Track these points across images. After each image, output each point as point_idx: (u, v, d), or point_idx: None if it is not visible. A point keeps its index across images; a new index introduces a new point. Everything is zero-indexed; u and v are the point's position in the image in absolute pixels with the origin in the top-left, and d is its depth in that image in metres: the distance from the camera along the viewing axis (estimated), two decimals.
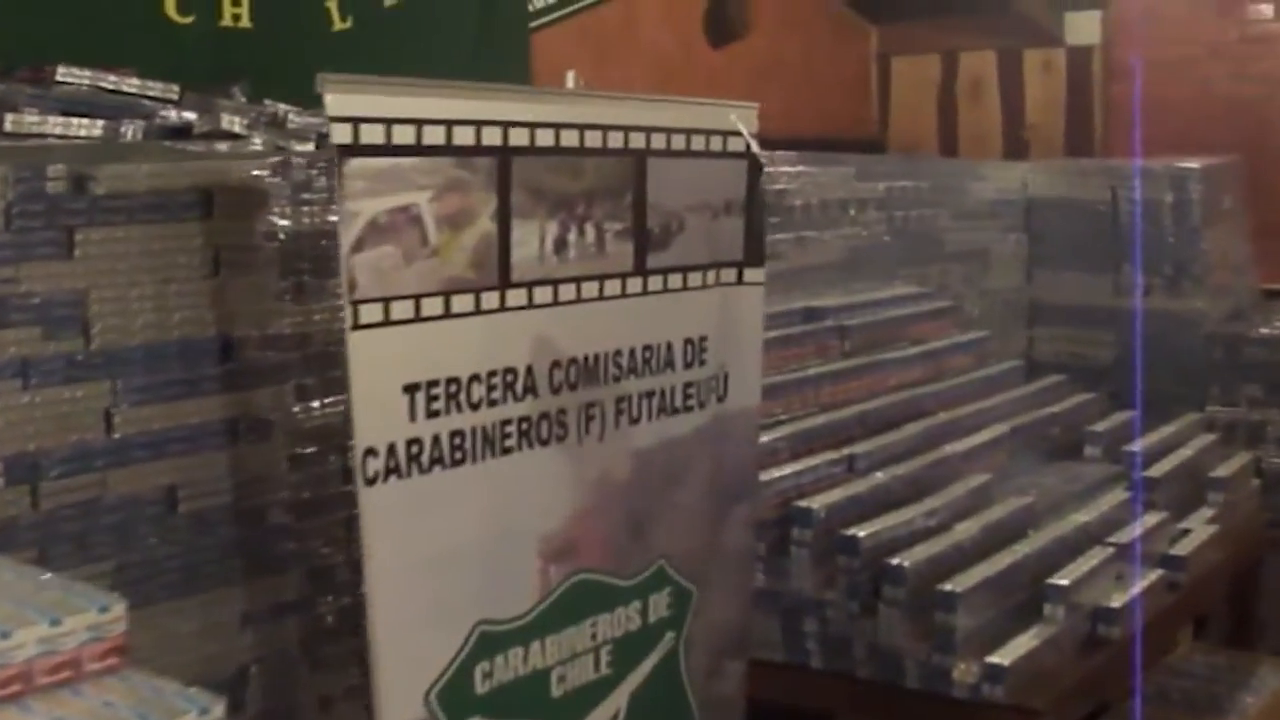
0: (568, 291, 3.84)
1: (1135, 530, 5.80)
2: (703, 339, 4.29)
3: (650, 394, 4.12)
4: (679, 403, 4.23)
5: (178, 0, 7.12)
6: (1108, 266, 8.51)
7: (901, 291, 7.46)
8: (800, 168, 6.91)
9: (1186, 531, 6.29)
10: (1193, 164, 8.30)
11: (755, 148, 4.41)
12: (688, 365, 4.25)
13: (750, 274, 4.45)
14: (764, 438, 5.46)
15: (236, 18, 7.43)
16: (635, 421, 4.07)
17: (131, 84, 5.28)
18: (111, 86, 5.20)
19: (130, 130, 4.80)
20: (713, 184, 4.30)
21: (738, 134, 4.36)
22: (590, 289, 3.91)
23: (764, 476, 5.14)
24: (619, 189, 3.96)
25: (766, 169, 4.45)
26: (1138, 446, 6.68)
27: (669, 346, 4.18)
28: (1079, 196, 8.60)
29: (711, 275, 4.31)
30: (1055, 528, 5.64)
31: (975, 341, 7.43)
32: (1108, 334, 8.49)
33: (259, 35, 7.45)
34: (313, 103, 5.70)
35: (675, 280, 4.18)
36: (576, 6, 9.82)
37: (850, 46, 12.36)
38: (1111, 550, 5.56)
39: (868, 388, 6.51)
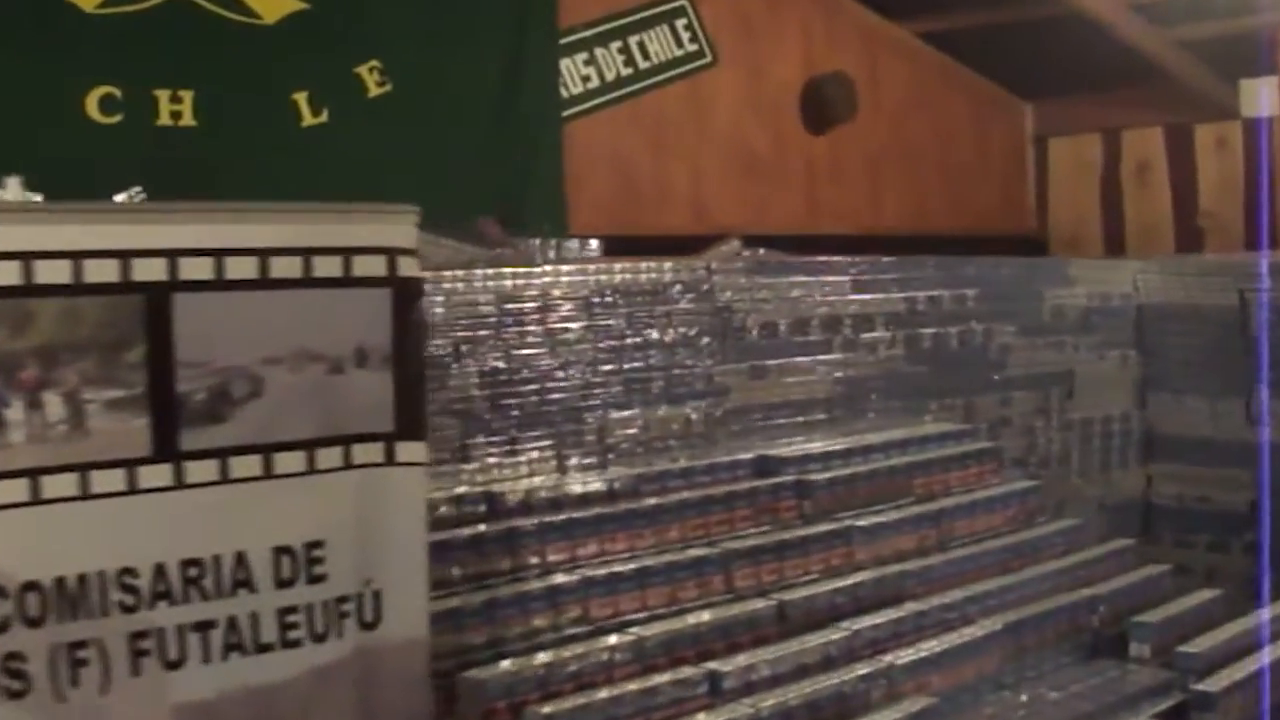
0: (12, 490, 2.63)
1: None
2: (315, 545, 3.00)
3: (204, 626, 2.86)
4: (270, 636, 2.96)
5: (100, 98, 6.33)
6: (1239, 388, 6.73)
7: (919, 432, 5.91)
8: (760, 279, 5.50)
9: None
10: None
11: (412, 270, 3.12)
12: (285, 583, 2.97)
13: (406, 450, 3.14)
14: (607, 640, 4.11)
15: (176, 115, 6.59)
16: (175, 665, 2.82)
17: None
18: None
19: None
20: (324, 325, 3.02)
21: (375, 251, 3.08)
22: (60, 485, 2.68)
23: (571, 702, 3.80)
24: (112, 341, 2.73)
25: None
26: (1198, 646, 4.94)
27: (240, 558, 2.91)
28: (1201, 302, 6.85)
29: (332, 455, 3.03)
30: None
31: (1019, 493, 5.79)
32: (1244, 473, 6.69)
33: (203, 134, 6.59)
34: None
35: (245, 465, 2.91)
36: (628, 90, 8.61)
37: (998, 127, 10.72)
38: None
39: (824, 564, 5.01)
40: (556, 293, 4.91)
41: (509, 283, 4.82)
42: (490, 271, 4.82)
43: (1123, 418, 6.99)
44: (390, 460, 3.11)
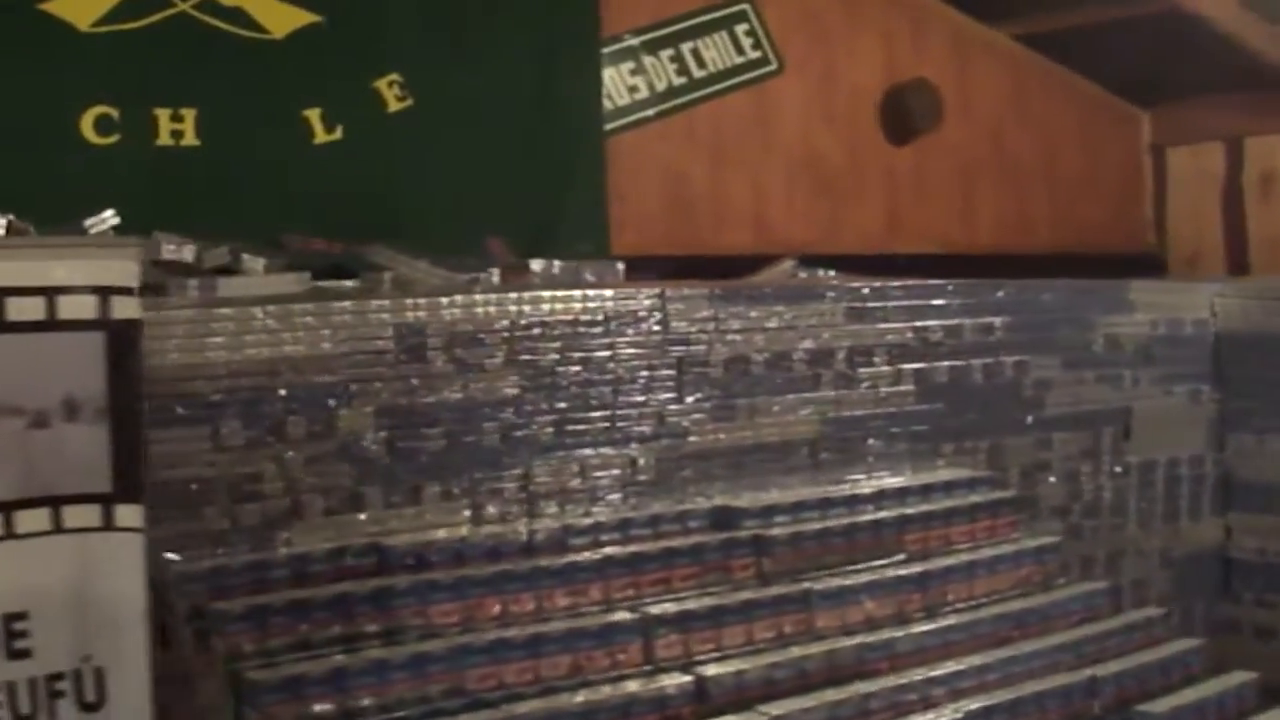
0: None
1: None
2: (17, 616, 2.59)
3: None
4: None
5: (96, 119, 6.09)
6: None
7: (922, 479, 5.24)
8: (729, 308, 4.91)
9: None
10: None
11: (130, 311, 2.68)
12: None
13: (125, 514, 2.71)
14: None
15: (178, 135, 6.32)
16: None
17: None
18: None
19: None
20: (24, 373, 2.62)
21: (85, 290, 2.64)
22: None
23: None
24: None
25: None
26: None
27: None
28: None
29: (37, 518, 2.62)
30: None
31: (1033, 552, 5.09)
32: None
33: (206, 155, 6.30)
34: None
35: None
36: (681, 101, 8.06)
37: (1110, 136, 9.84)
38: None
39: (775, 632, 4.41)
40: (468, 326, 4.42)
41: (410, 315, 4.34)
42: (387, 302, 4.34)
43: (1194, 461, 6.19)
44: (109, 525, 2.67)
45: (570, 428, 4.61)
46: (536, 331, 4.55)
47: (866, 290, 5.29)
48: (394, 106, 6.88)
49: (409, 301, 4.37)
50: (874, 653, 4.41)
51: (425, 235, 6.28)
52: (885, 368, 5.29)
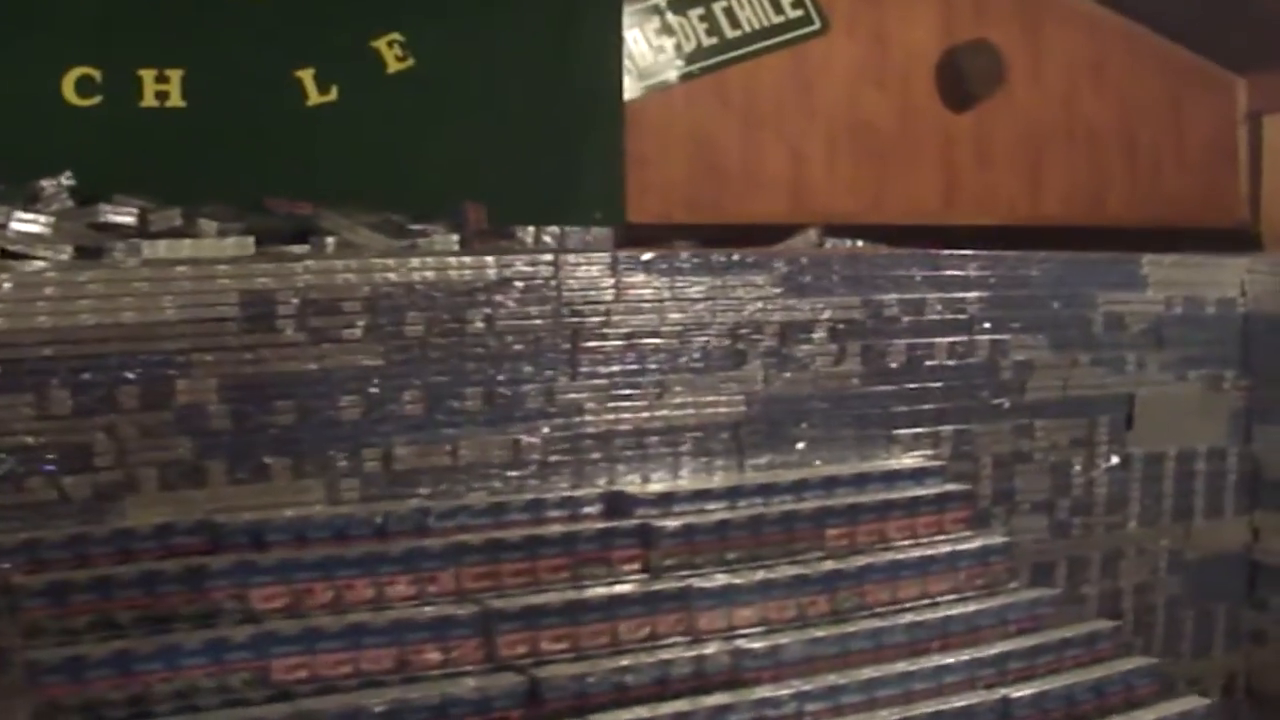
0: None
1: None
2: None
3: None
4: None
5: (77, 80, 5.98)
6: None
7: (859, 469, 4.77)
8: (635, 276, 4.51)
9: None
10: None
11: None
12: None
13: None
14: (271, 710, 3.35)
15: (163, 96, 6.18)
16: None
17: None
18: None
19: None
20: None
21: None
22: None
23: None
24: None
25: None
26: None
27: None
28: None
29: None
30: None
31: (976, 553, 4.58)
32: None
33: (192, 116, 6.14)
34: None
35: None
36: (712, 61, 7.62)
37: (1200, 104, 9.05)
38: None
39: (647, 632, 4.02)
40: (322, 294, 4.12)
41: (259, 281, 4.05)
42: (231, 267, 4.06)
43: (1213, 454, 5.58)
44: None
45: (444, 404, 4.28)
46: (403, 300, 4.22)
47: (804, 260, 4.82)
48: (394, 67, 6.61)
49: (256, 268, 4.08)
50: (754, 660, 3.98)
51: (422, 201, 6.03)
52: (830, 345, 4.82)
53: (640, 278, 4.53)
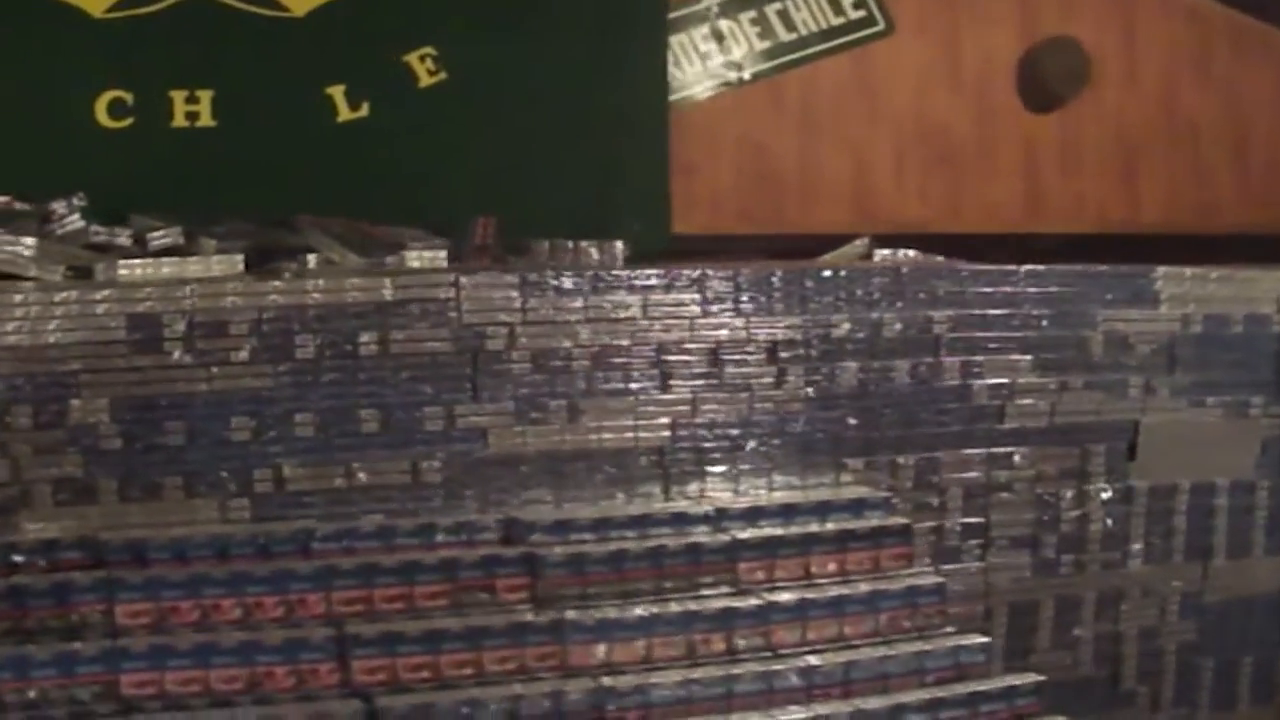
0: None
1: None
2: None
3: None
4: None
5: (109, 103, 6.20)
6: None
7: (793, 498, 4.52)
8: (542, 296, 4.36)
9: None
10: None
11: None
12: None
13: None
14: None
15: (193, 116, 6.35)
16: None
17: None
18: None
19: None
20: None
21: None
22: None
23: None
24: None
25: None
26: None
27: None
28: None
29: None
30: None
31: (901, 594, 4.28)
32: None
33: (223, 135, 6.31)
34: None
35: None
36: (766, 66, 7.39)
37: None
38: None
39: (515, 665, 3.89)
40: (209, 317, 4.10)
41: (142, 305, 4.06)
42: (113, 292, 4.08)
43: (1237, 488, 5.11)
44: None
45: (338, 426, 4.21)
46: (294, 321, 4.17)
47: (741, 279, 4.59)
48: (426, 81, 6.62)
49: (139, 293, 4.10)
50: (619, 700, 3.81)
51: (451, 217, 6.02)
52: (768, 368, 4.59)
53: (544, 299, 4.38)
